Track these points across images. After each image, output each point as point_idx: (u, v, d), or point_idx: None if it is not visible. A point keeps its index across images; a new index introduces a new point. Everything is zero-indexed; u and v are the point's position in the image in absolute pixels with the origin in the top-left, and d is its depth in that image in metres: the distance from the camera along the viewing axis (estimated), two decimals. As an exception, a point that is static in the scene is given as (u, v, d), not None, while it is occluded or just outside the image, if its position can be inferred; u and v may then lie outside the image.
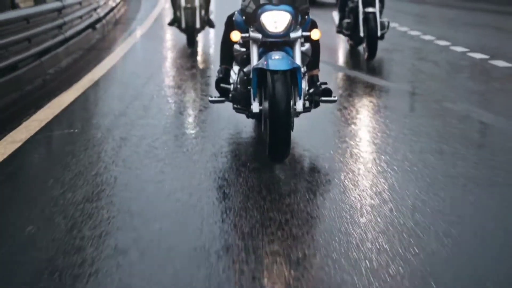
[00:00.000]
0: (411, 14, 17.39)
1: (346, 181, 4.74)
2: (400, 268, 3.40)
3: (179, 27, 11.94)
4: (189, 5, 11.66)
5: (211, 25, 12.28)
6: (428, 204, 4.27)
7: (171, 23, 12.20)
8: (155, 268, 3.45)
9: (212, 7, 12.46)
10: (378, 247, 3.65)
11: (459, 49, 11.03)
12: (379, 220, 4.03)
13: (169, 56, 11.43)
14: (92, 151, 5.57)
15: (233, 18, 5.72)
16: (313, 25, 5.67)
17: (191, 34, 11.70)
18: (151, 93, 7.93)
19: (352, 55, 10.74)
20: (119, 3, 17.94)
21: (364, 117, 6.83)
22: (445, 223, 3.95)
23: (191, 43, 11.73)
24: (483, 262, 3.50)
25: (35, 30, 9.17)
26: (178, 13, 11.85)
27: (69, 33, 11.05)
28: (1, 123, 6.42)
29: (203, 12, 11.91)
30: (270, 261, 3.51)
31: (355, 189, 4.58)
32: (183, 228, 3.97)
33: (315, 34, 5.42)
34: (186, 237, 3.83)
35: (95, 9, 13.87)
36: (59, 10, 10.64)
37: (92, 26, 13.23)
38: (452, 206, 4.26)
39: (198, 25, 11.70)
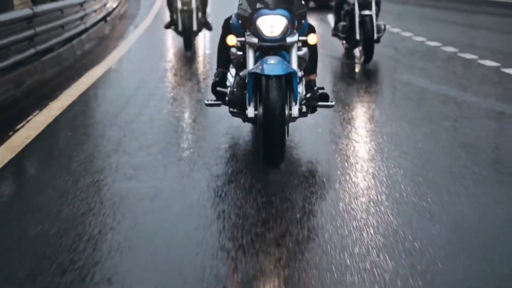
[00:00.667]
0: (387, 12, 19.26)
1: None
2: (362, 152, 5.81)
3: (176, 30, 11.82)
4: (185, 8, 11.47)
5: (209, 27, 12.14)
6: (366, 128, 6.43)
7: (167, 26, 12.11)
8: (180, 151, 5.77)
9: (209, 9, 12.44)
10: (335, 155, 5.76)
11: (419, 38, 13.10)
12: (334, 133, 6.19)
13: (175, 43, 13.27)
14: (130, 99, 7.89)
15: (230, 22, 5.68)
16: (311, 29, 5.58)
17: (188, 37, 11.55)
18: (164, 67, 10.44)
19: (347, 58, 10.98)
20: (121, 1, 19.70)
21: (334, 83, 8.90)
22: (379, 138, 6.17)
23: (188, 46, 11.60)
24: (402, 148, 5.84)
25: (66, 19, 11.32)
26: (174, 16, 11.70)
27: (89, 23, 13.29)
28: (56, 85, 8.82)
29: (200, 14, 11.80)
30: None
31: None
32: (200, 139, 6.20)
33: (311, 39, 5.35)
34: (202, 136, 6.18)
35: (104, 5, 15.99)
36: (81, 4, 12.86)
37: (104, 19, 15.37)
38: (381, 128, 6.45)
39: (195, 27, 11.57)
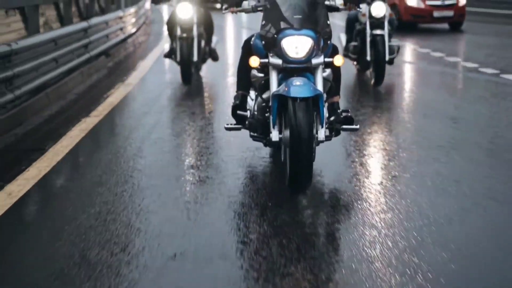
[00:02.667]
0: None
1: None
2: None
3: (175, 59, 10.50)
4: (185, 35, 10.12)
5: (214, 57, 10.94)
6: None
7: (167, 55, 10.76)
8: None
9: (216, 37, 11.32)
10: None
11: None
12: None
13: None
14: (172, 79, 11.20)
15: (251, 42, 5.53)
16: (335, 50, 5.49)
17: (186, 68, 10.19)
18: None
19: (359, 80, 10.65)
20: (147, 12, 23.76)
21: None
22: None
23: (186, 79, 10.25)
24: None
25: (132, 20, 16.83)
26: (174, 44, 10.44)
27: (138, 26, 18.50)
28: (137, 56, 13.71)
29: (203, 42, 10.55)
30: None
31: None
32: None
33: (338, 60, 5.22)
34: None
35: (144, 13, 21.17)
36: (136, 12, 18.12)
37: (144, 22, 20.54)
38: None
39: (195, 58, 10.19)
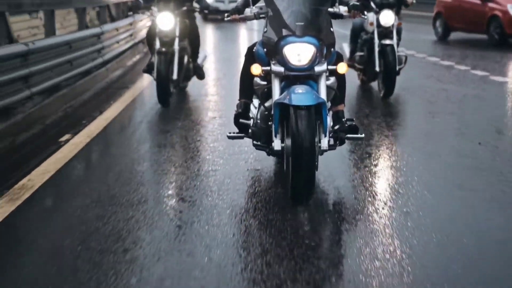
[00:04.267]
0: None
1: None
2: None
3: (153, 75, 9.14)
4: (164, 49, 8.83)
5: (200, 75, 9.73)
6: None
7: (146, 70, 9.50)
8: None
9: (204, 53, 10.42)
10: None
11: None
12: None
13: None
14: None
15: (254, 50, 5.49)
16: (339, 58, 5.42)
17: (162, 86, 8.81)
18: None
19: (364, 91, 10.33)
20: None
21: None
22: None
23: (163, 99, 8.87)
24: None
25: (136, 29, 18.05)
26: (153, 58, 9.21)
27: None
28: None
29: (186, 58, 9.37)
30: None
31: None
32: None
33: (341, 68, 5.17)
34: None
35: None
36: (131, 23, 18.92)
37: None
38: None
39: (175, 75, 8.90)
